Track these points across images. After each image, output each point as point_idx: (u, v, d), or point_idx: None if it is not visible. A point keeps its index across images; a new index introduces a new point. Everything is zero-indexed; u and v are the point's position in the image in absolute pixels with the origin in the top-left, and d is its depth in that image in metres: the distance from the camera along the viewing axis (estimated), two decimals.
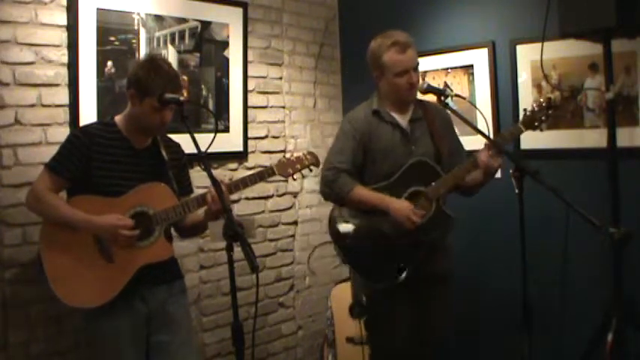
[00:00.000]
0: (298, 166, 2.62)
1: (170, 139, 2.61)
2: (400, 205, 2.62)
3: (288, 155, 2.67)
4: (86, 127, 2.48)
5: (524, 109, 2.67)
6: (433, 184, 2.65)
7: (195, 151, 2.25)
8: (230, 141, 3.47)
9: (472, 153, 2.70)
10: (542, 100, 2.67)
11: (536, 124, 2.64)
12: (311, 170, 2.70)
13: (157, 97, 2.32)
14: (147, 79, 2.33)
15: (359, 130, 2.75)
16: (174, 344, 2.47)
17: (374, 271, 2.71)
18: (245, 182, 2.51)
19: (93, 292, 2.30)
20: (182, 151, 2.63)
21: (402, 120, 2.78)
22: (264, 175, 2.56)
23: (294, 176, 2.64)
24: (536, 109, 2.63)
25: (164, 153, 2.51)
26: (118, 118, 2.47)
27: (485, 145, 2.62)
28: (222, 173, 3.41)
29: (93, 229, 2.30)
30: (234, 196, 3.45)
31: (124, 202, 2.36)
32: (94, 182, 2.35)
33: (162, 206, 2.39)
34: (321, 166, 2.77)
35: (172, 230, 2.62)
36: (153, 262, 2.37)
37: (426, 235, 2.64)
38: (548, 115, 2.63)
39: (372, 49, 2.76)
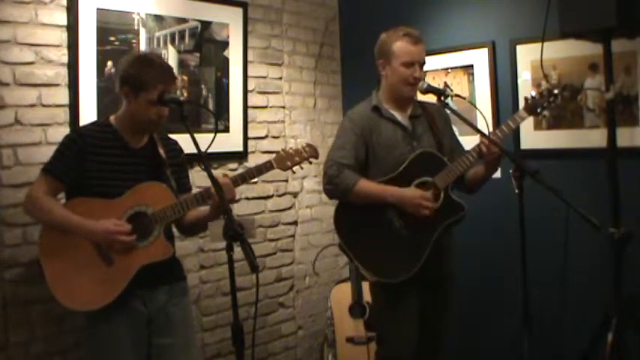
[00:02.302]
0: (297, 159, 2.59)
1: (168, 137, 2.59)
2: (410, 194, 2.62)
3: (286, 148, 2.63)
4: (80, 128, 2.47)
5: (526, 97, 2.69)
6: (440, 173, 2.65)
7: (195, 151, 2.25)
8: (230, 141, 3.47)
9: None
10: (542, 89, 2.69)
11: (538, 110, 2.66)
12: (310, 163, 2.66)
13: (156, 94, 2.31)
14: (140, 74, 2.32)
15: (359, 126, 2.74)
16: (176, 347, 2.46)
17: (385, 267, 2.67)
18: (243, 177, 2.50)
19: (93, 295, 2.29)
20: (180, 148, 2.61)
21: (402, 118, 2.78)
22: (262, 169, 2.54)
23: (293, 169, 2.61)
24: (537, 97, 2.65)
25: (161, 151, 2.49)
26: (113, 118, 2.45)
27: (490, 132, 2.66)
28: (222, 173, 3.40)
29: (88, 235, 2.29)
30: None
31: (122, 203, 2.35)
32: (91, 184, 2.34)
33: (160, 205, 2.38)
34: (322, 166, 2.76)
35: (175, 230, 2.62)
36: (153, 262, 2.36)
37: (438, 225, 2.64)
38: (549, 103, 2.65)
39: (382, 38, 2.78)
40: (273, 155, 2.61)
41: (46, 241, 2.33)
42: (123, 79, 2.36)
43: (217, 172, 3.34)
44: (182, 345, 2.49)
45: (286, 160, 2.58)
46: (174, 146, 2.60)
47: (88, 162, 2.33)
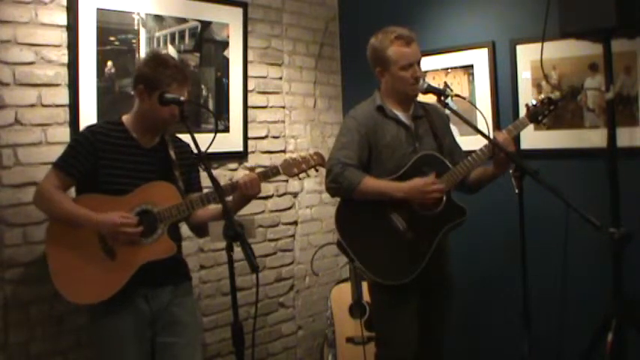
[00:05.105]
0: (304, 166, 2.62)
1: (179, 139, 2.62)
2: (414, 184, 2.60)
3: (294, 155, 2.66)
4: (93, 126, 2.50)
5: (527, 104, 2.70)
6: (443, 176, 2.64)
7: (195, 151, 2.27)
8: (230, 141, 3.47)
9: (470, 153, 2.70)
10: (542, 97, 2.70)
11: (539, 117, 2.67)
12: (317, 170, 2.69)
13: (157, 96, 2.33)
14: (155, 73, 2.36)
15: (363, 125, 2.72)
16: (179, 345, 2.48)
17: (387, 269, 2.66)
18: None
19: (94, 289, 2.31)
20: (191, 151, 2.62)
21: (405, 117, 2.77)
22: (268, 174, 2.57)
23: (300, 176, 2.63)
24: (538, 105, 2.66)
25: (172, 152, 2.52)
26: (125, 118, 2.48)
27: (498, 131, 2.67)
28: (223, 173, 3.41)
29: (95, 226, 2.32)
30: (230, 197, 3.45)
31: (129, 201, 2.37)
32: (101, 181, 2.37)
33: (167, 204, 2.40)
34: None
35: (190, 231, 2.66)
36: (156, 260, 2.38)
37: (441, 228, 2.64)
38: (550, 111, 2.66)
39: (374, 44, 2.75)
40: (274, 158, 2.63)
41: (53, 232, 2.37)
42: (137, 78, 2.41)
43: (217, 172, 3.35)
44: (186, 344, 2.50)
45: (293, 167, 2.62)
46: (186, 148, 2.62)
47: (99, 159, 2.37)
